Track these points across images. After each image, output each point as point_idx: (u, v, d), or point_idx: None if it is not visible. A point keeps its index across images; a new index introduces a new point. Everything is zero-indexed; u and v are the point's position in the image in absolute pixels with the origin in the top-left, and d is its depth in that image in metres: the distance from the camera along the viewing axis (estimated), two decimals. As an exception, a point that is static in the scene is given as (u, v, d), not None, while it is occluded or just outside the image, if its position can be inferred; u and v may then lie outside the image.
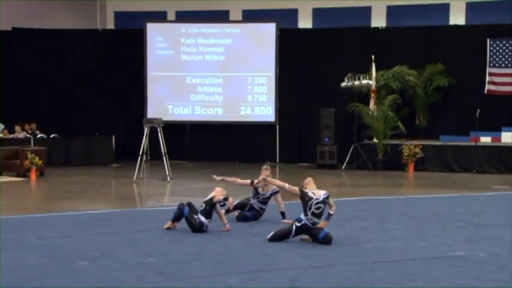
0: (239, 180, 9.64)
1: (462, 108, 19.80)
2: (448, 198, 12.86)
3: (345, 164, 18.94)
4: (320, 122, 19.48)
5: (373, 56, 19.00)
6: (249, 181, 9.69)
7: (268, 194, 9.64)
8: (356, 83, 18.98)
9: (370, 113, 18.96)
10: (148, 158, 20.06)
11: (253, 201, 9.74)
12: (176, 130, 21.07)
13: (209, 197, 8.96)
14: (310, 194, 8.20)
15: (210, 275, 6.64)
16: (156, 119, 16.13)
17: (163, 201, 13.17)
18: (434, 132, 19.90)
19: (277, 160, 20.98)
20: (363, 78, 18.99)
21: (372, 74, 18.99)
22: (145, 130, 16.11)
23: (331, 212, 8.31)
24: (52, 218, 10.09)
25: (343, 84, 19.17)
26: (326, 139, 19.29)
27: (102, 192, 14.01)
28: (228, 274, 6.69)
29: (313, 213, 8.16)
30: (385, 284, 6.36)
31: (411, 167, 18.12)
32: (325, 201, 8.22)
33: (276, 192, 9.59)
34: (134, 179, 15.54)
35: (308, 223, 8.17)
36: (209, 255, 7.56)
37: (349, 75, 19.10)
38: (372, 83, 18.94)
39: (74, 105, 21.78)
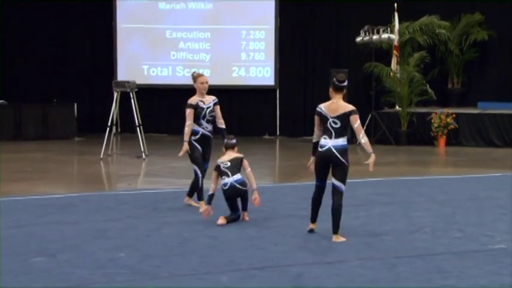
0: (187, 129, 9.59)
1: (505, 69, 19.78)
2: (487, 178, 12.90)
3: (360, 137, 18.93)
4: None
5: (395, 4, 18.91)
6: (188, 111, 9.58)
7: (212, 104, 9.74)
8: (374, 37, 18.92)
9: (391, 74, 18.93)
10: (119, 130, 20.08)
11: (203, 127, 9.63)
12: (153, 96, 21.03)
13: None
14: (323, 112, 8.08)
15: (195, 273, 6.67)
16: (128, 82, 16.09)
17: (137, 183, 13.19)
18: (471, 98, 19.90)
19: (278, 133, 20.97)
20: (383, 31, 18.92)
21: (394, 27, 18.92)
22: (115, 96, 16.07)
23: (363, 141, 8.10)
24: (1, 204, 10.09)
25: (359, 39, 19.11)
26: (337, 107, 19.26)
27: (63, 172, 14.01)
28: (217, 272, 6.71)
29: (331, 130, 8.00)
30: (410, 283, 6.40)
31: (442, 141, 18.15)
32: (346, 116, 8.02)
33: (216, 103, 9.80)
34: (101, 156, 15.55)
35: (332, 147, 7.93)
36: (194, 248, 7.59)
37: (366, 27, 19.02)
38: (394, 37, 18.87)
39: (26, 64, 21.67)
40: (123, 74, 20.66)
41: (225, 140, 9.19)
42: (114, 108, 16.05)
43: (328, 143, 8.00)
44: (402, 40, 19.25)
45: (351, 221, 8.88)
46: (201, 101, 9.69)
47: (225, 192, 8.89)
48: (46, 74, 21.81)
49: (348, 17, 20.52)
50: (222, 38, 20.81)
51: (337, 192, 7.94)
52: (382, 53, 19.52)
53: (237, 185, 8.83)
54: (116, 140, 17.62)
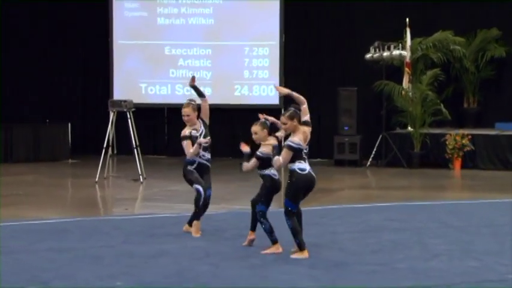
0: (194, 150, 9.67)
1: (524, 87, 19.80)
2: (506, 204, 12.84)
3: (370, 159, 18.94)
4: (338, 105, 19.47)
5: (407, 19, 18.96)
6: (185, 143, 9.70)
7: (203, 127, 9.83)
8: (385, 54, 18.95)
9: (403, 93, 18.94)
10: (115, 151, 20.09)
11: (199, 156, 9.73)
12: (151, 116, 21.05)
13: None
14: (302, 146, 8.39)
15: (195, 303, 6.65)
16: (125, 102, 16.12)
17: (134, 207, 13.17)
18: (488, 118, 19.89)
19: (283, 155, 20.98)
20: (395, 47, 18.96)
21: (406, 43, 18.97)
22: (111, 116, 16.10)
23: None
24: (-10, 230, 10.09)
25: (369, 55, 19.15)
26: (346, 127, 19.28)
27: (55, 196, 14.00)
28: (219, 302, 6.70)
29: (304, 156, 8.41)
30: (424, 314, 6.37)
31: (457, 164, 18.13)
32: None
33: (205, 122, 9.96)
34: (97, 179, 15.54)
35: (311, 171, 8.43)
36: (193, 277, 7.56)
37: (376, 44, 19.07)
38: (406, 54, 18.91)
39: (18, 83, 21.72)
40: (119, 92, 20.69)
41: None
42: (110, 129, 16.06)
43: (306, 167, 8.40)
44: (414, 57, 19.28)
45: (360, 249, 8.85)
46: (194, 129, 9.78)
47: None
48: (38, 93, 21.85)
49: (357, 33, 20.56)
50: (224, 55, 20.87)
51: (300, 214, 8.63)
52: (393, 70, 19.55)
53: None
54: (112, 162, 17.61)
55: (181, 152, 10.01)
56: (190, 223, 9.88)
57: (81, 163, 19.28)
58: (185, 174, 9.79)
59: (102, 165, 15.78)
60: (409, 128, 19.09)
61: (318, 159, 20.20)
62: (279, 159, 8.36)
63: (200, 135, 9.75)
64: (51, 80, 21.95)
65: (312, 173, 8.41)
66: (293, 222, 8.36)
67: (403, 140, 18.94)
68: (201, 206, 9.68)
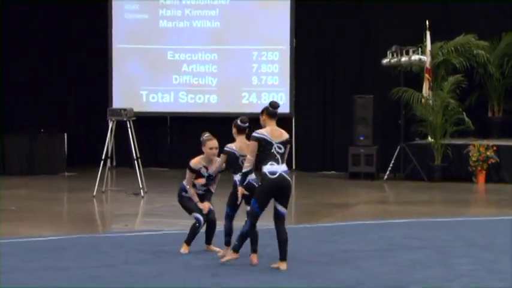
0: (192, 191, 9.80)
1: (553, 95, 19.76)
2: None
3: (387, 172, 18.92)
4: (353, 113, 19.46)
5: (427, 22, 18.98)
6: (188, 174, 9.74)
7: (216, 172, 9.83)
8: (403, 59, 18.96)
9: (423, 101, 18.94)
10: (114, 163, 20.11)
11: (196, 189, 9.83)
12: (153, 125, 21.06)
13: None
14: (268, 137, 8.65)
15: (200, 327, 6.67)
16: (124, 110, 16.17)
17: (135, 224, 13.20)
18: (514, 128, 19.87)
19: (293, 166, 20.96)
20: (414, 52, 18.97)
21: (425, 47, 18.98)
22: (110, 125, 16.14)
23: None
24: (-19, 248, 10.12)
25: (386, 61, 19.16)
26: (361, 137, 19.28)
27: (51, 212, 14.03)
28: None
29: (277, 156, 8.62)
30: None
31: (481, 177, 18.09)
32: (287, 142, 8.76)
33: (221, 171, 9.87)
34: (94, 194, 15.57)
35: (283, 173, 8.58)
36: (199, 299, 7.59)
37: (393, 48, 19.07)
38: (426, 59, 18.92)
39: (10, 91, 21.78)
40: (119, 100, 20.70)
41: (238, 121, 9.42)
42: (109, 139, 16.10)
43: (277, 169, 8.63)
44: (435, 62, 19.27)
45: (376, 268, 8.86)
46: (205, 167, 9.76)
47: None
48: (32, 101, 21.88)
49: (373, 36, 20.56)
50: (231, 60, 20.87)
51: (283, 220, 8.65)
52: (412, 76, 19.53)
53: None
54: (111, 175, 17.64)
55: (184, 164, 10.03)
56: (208, 242, 9.92)
57: (78, 176, 19.30)
58: (181, 201, 9.92)
59: (100, 178, 15.79)
60: (429, 138, 19.06)
61: (332, 172, 20.22)
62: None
63: (208, 177, 9.73)
64: (46, 86, 21.98)
65: (285, 176, 8.62)
66: (250, 227, 8.61)
67: (423, 152, 18.91)
68: (197, 232, 9.80)
